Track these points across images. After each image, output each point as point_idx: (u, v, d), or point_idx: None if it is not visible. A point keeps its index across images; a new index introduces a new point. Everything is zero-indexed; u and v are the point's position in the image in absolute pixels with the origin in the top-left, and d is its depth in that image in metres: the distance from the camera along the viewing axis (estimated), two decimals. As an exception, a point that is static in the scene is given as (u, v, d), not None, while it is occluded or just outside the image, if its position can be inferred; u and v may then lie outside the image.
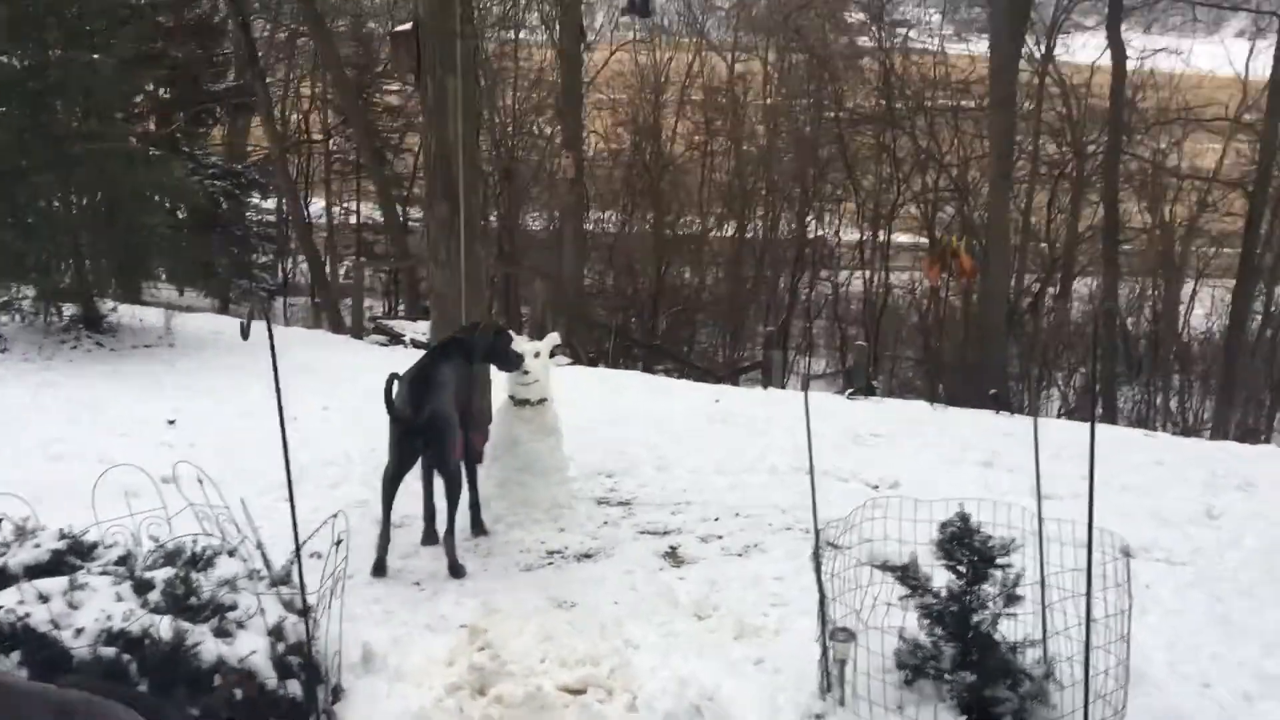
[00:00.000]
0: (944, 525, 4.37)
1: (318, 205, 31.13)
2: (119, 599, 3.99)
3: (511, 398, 6.90)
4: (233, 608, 4.25)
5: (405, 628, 5.20)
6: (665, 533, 6.75)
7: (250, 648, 4.00)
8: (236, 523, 4.94)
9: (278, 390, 4.46)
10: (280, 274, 30.59)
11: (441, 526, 6.08)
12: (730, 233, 28.41)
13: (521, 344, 6.86)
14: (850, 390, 13.83)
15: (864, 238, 27.96)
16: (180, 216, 16.86)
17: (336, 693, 4.48)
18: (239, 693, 3.82)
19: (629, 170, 27.68)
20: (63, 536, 4.80)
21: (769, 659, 4.86)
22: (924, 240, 26.04)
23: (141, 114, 23.79)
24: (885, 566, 4.86)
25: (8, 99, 12.80)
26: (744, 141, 29.04)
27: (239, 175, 26.45)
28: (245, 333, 5.38)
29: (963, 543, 4.29)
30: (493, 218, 27.29)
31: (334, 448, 8.70)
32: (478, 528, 6.60)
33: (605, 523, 6.88)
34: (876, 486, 7.87)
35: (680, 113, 29.87)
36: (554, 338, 6.93)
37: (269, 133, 24.27)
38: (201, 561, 4.60)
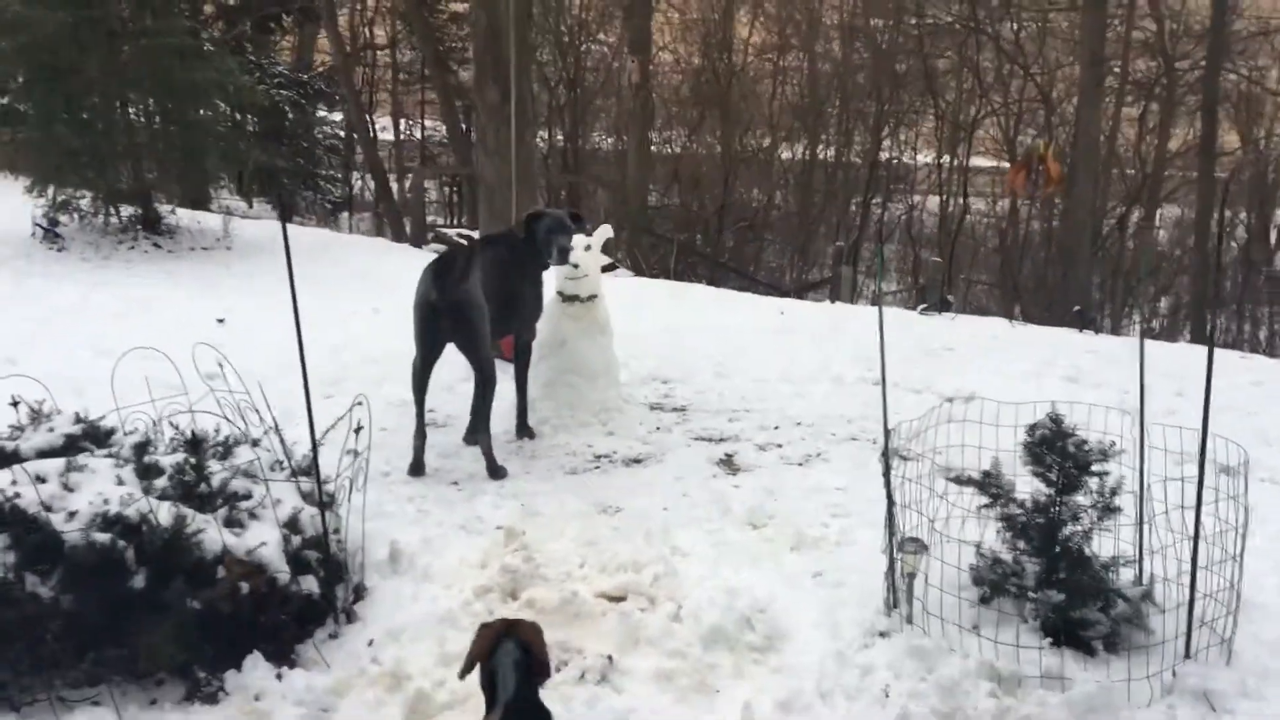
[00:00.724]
0: (1032, 428, 3.87)
1: (385, 121, 30.83)
2: (120, 482, 3.67)
3: (560, 293, 6.47)
4: (246, 497, 3.93)
5: (439, 528, 4.86)
6: (720, 440, 6.33)
7: (261, 539, 3.67)
8: (259, 411, 4.62)
9: (291, 279, 4.10)
10: (346, 186, 30.44)
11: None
12: (801, 151, 27.50)
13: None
14: (923, 305, 13.19)
15: (941, 158, 26.82)
16: (240, 119, 16.55)
17: (359, 591, 4.16)
18: (245, 586, 3.50)
19: (697, 79, 26.78)
20: (78, 421, 4.52)
21: (829, 571, 4.44)
22: (1003, 164, 24.88)
23: (208, 19, 23.54)
24: (961, 479, 4.41)
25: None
26: (818, 57, 27.97)
27: (305, 85, 26.15)
28: (285, 215, 5.09)
29: (1054, 447, 3.79)
30: (558, 133, 26.79)
31: (380, 348, 8.42)
32: (523, 430, 6.24)
33: (657, 428, 6.47)
34: (951, 399, 7.35)
35: (753, 24, 28.81)
36: (606, 229, 6.46)
37: (333, 40, 23.87)
38: (218, 449, 4.29)
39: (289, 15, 27.59)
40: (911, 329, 10.42)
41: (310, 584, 3.82)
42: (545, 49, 25.83)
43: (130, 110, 13.55)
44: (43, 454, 4.13)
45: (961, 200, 26.48)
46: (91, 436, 4.50)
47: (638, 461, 5.90)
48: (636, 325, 9.67)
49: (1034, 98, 24.02)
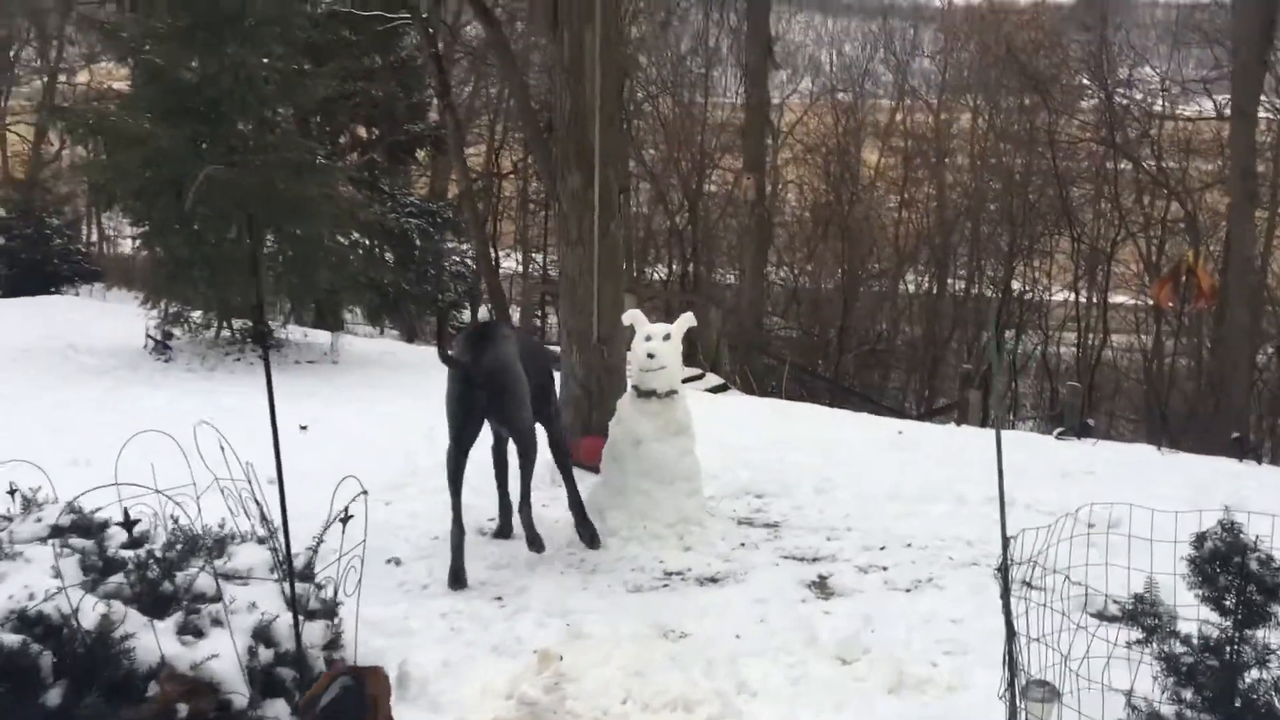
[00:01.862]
0: (1200, 538, 2.96)
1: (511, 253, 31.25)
2: (57, 575, 3.07)
3: (635, 388, 5.79)
4: (214, 599, 3.29)
5: (467, 649, 4.13)
6: (815, 559, 5.45)
7: (216, 650, 3.00)
8: (262, 505, 4.03)
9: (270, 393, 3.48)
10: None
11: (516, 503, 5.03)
12: (928, 281, 26.61)
13: (646, 324, 5.76)
14: (1060, 430, 12.04)
15: (1079, 277, 25.47)
16: (356, 241, 16.70)
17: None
18: (183, 708, 2.81)
19: (818, 203, 26.36)
20: (71, 511, 4.01)
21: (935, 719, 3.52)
22: (1144, 299, 23.41)
23: (341, 149, 24.36)
24: (1104, 615, 3.49)
25: (185, 108, 12.79)
26: (948, 186, 27.31)
27: (434, 213, 26.73)
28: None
29: (1230, 564, 2.87)
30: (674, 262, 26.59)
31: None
32: (585, 531, 5.51)
33: (742, 544, 5.63)
34: (1092, 525, 6.31)
35: (881, 150, 28.40)
36: (688, 318, 5.79)
37: (457, 169, 24.34)
38: (208, 546, 3.69)
39: (422, 147, 28.51)
40: (1047, 453, 9.35)
41: (279, 710, 3.12)
42: (670, 178, 25.92)
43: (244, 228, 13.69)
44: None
45: (1101, 334, 25.01)
46: (81, 529, 3.98)
47: (714, 581, 5.07)
48: (736, 438, 8.91)
49: (1178, 218, 22.70)
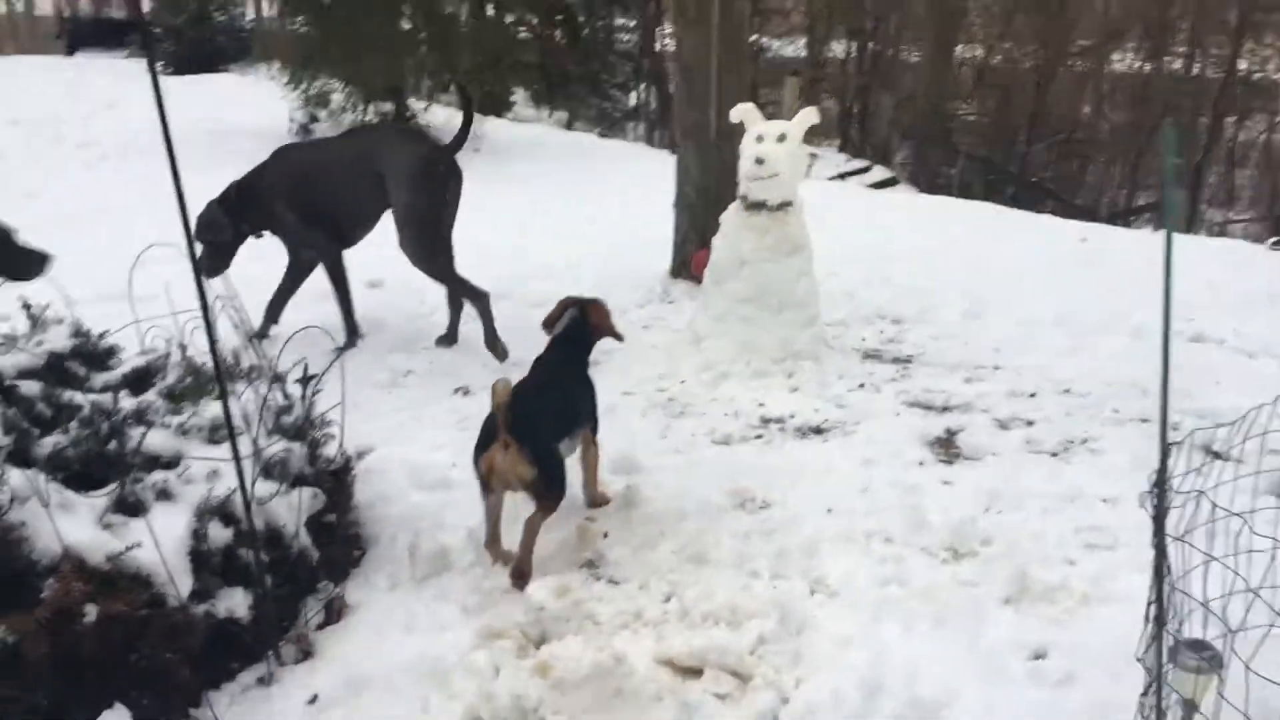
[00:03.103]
0: None
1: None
2: (-22, 431, 2.59)
3: (742, 198, 4.91)
4: (171, 464, 2.77)
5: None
6: (946, 408, 4.59)
7: (142, 538, 2.47)
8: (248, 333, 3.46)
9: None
10: (635, 96, 29.52)
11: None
12: (1139, 61, 23.62)
13: (759, 121, 4.81)
14: (1276, 239, 10.41)
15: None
16: (491, 16, 15.76)
17: (334, 610, 2.94)
18: (91, 610, 2.31)
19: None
20: (77, 334, 3.56)
21: (1058, 651, 2.75)
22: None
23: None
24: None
25: None
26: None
27: (601, -8, 25.33)
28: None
29: None
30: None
31: (563, 260, 7.21)
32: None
33: (861, 385, 4.81)
34: (1306, 370, 5.21)
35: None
36: (810, 113, 4.79)
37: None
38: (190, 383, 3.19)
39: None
40: (1257, 268, 7.97)
41: (234, 602, 2.61)
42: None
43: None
44: (23, 374, 3.20)
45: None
46: (83, 355, 3.53)
47: (817, 432, 4.30)
48: (884, 246, 7.93)
49: None
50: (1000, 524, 3.43)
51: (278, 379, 3.27)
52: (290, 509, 2.84)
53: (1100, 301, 6.49)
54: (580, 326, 3.57)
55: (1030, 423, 4.41)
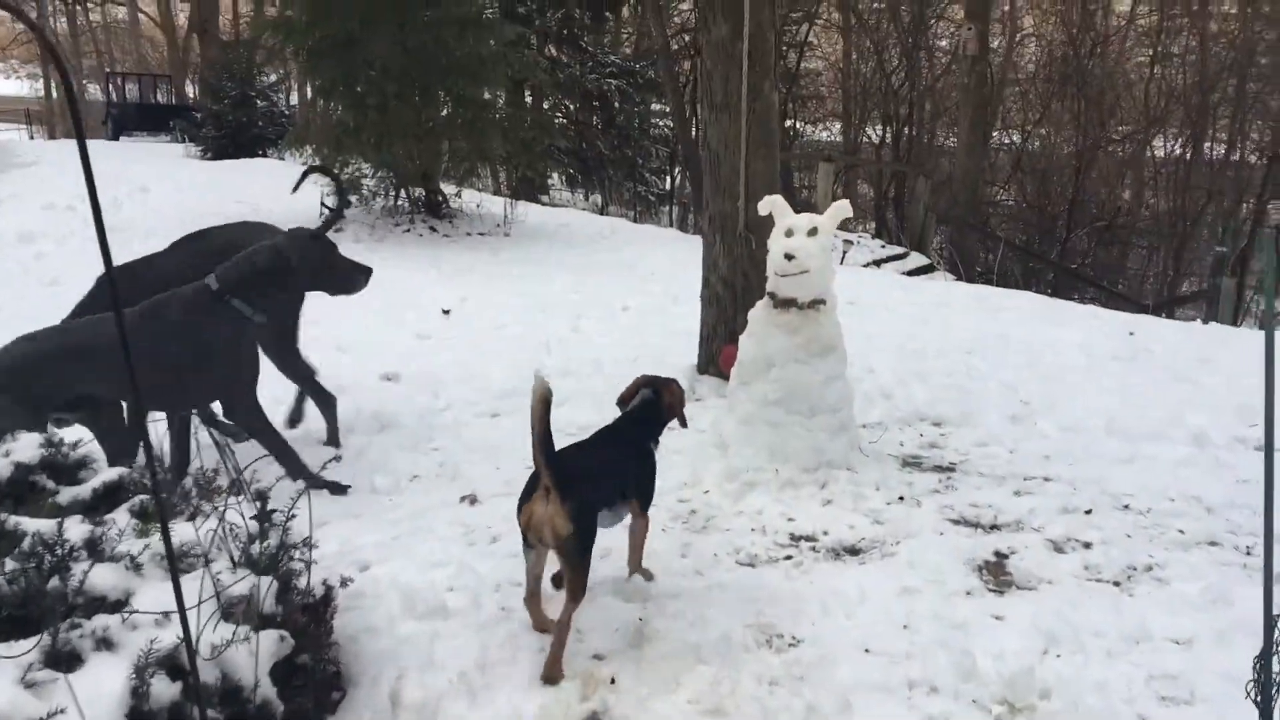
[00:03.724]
0: None
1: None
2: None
3: (771, 295, 4.60)
4: (117, 605, 2.45)
5: (508, 647, 3.18)
6: (994, 526, 4.20)
7: (60, 704, 2.15)
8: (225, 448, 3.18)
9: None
10: (669, 180, 29.61)
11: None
12: (1180, 145, 23.34)
13: (787, 214, 4.53)
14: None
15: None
16: (522, 100, 15.76)
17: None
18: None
19: (1052, 57, 23.42)
20: (49, 444, 3.31)
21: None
22: None
23: (540, 6, 23.30)
24: None
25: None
26: (1210, 38, 23.65)
27: (635, 74, 25.54)
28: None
29: None
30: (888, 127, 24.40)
31: (587, 355, 6.92)
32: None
33: (901, 498, 4.43)
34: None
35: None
36: (842, 206, 4.51)
37: (656, 27, 22.87)
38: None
39: (625, 2, 27.06)
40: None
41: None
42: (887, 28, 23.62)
43: (415, 87, 12.91)
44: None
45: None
46: (52, 467, 3.28)
47: (853, 553, 3.92)
48: (923, 338, 7.59)
49: None
50: (1059, 672, 3.03)
51: (260, 498, 2.98)
52: (251, 656, 2.50)
53: (1153, 403, 6.10)
54: (653, 406, 3.62)
55: (1088, 545, 4.01)
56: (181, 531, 2.83)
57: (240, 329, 4.26)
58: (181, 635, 2.31)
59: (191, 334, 4.13)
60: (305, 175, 5.07)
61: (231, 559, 2.75)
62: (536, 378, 2.91)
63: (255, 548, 2.78)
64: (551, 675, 2.95)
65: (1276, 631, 2.09)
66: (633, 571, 3.58)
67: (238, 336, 4.27)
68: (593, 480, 3.15)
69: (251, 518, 2.81)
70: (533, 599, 3.20)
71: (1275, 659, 2.13)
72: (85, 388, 4.10)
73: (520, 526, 3.08)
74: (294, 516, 2.83)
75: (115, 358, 3.95)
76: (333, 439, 5.14)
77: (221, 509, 2.80)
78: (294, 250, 4.28)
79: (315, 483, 4.42)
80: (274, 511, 2.94)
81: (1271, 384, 2.12)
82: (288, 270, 4.27)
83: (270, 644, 2.59)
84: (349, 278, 4.53)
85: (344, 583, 3.13)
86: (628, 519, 3.47)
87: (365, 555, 3.76)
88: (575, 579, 3.00)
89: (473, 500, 4.41)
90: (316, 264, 4.38)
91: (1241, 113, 23.34)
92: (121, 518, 3.05)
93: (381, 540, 3.91)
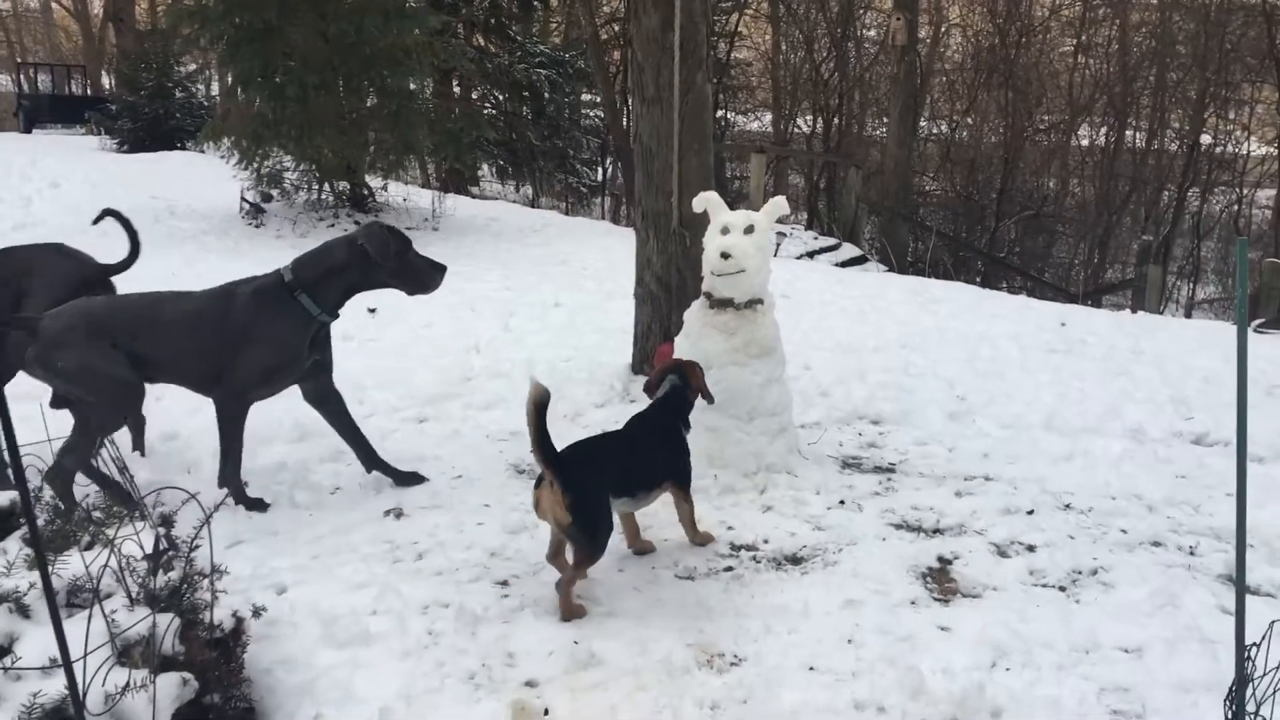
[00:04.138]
0: None
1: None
2: None
3: (707, 295, 4.46)
4: (3, 650, 2.23)
5: (434, 675, 3.00)
6: (937, 530, 4.11)
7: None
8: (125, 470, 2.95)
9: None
10: (601, 171, 29.40)
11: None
12: (1104, 134, 23.73)
13: (723, 212, 4.39)
14: (1260, 321, 10.12)
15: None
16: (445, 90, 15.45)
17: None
18: None
19: (979, 48, 23.65)
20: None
21: None
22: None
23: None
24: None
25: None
26: (1131, 28, 24.06)
27: (565, 64, 25.25)
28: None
29: None
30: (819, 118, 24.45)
31: (518, 355, 6.72)
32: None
33: (841, 502, 4.32)
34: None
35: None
36: (778, 202, 4.38)
37: (583, 10, 22.67)
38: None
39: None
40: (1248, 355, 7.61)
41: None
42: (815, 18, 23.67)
43: (337, 77, 12.53)
44: None
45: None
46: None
47: (795, 562, 3.80)
48: (858, 334, 7.52)
49: None
50: (1010, 688, 2.93)
51: (165, 523, 2.76)
52: (150, 704, 2.29)
53: (1089, 396, 6.10)
54: (680, 391, 3.83)
55: (1031, 548, 3.94)
56: (75, 564, 2.62)
57: (300, 325, 4.15)
58: (67, 687, 2.10)
59: (248, 318, 4.07)
60: (102, 216, 4.96)
61: (129, 595, 2.53)
62: (532, 382, 3.12)
63: (157, 580, 2.56)
64: (566, 616, 3.25)
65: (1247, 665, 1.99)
66: (692, 541, 3.84)
67: (292, 332, 4.14)
68: (600, 471, 3.36)
69: (146, 555, 2.58)
70: (555, 558, 3.40)
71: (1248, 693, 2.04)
72: (143, 349, 4.05)
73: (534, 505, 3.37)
74: (198, 547, 2.62)
75: (175, 329, 4.04)
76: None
77: (118, 540, 2.58)
78: (372, 243, 4.12)
79: (238, 497, 4.20)
80: (177, 540, 2.72)
81: (1243, 401, 2.02)
82: (367, 264, 4.13)
83: (171, 688, 2.38)
84: (427, 274, 4.31)
85: (256, 612, 2.92)
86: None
87: (282, 578, 3.54)
88: (580, 555, 3.30)
89: (398, 514, 4.21)
90: (394, 258, 4.19)
91: (1162, 101, 23.79)
92: (12, 547, 2.82)
93: (300, 561, 3.69)
